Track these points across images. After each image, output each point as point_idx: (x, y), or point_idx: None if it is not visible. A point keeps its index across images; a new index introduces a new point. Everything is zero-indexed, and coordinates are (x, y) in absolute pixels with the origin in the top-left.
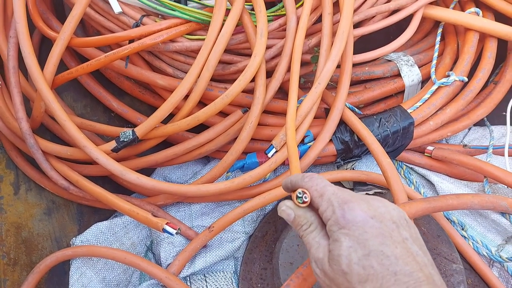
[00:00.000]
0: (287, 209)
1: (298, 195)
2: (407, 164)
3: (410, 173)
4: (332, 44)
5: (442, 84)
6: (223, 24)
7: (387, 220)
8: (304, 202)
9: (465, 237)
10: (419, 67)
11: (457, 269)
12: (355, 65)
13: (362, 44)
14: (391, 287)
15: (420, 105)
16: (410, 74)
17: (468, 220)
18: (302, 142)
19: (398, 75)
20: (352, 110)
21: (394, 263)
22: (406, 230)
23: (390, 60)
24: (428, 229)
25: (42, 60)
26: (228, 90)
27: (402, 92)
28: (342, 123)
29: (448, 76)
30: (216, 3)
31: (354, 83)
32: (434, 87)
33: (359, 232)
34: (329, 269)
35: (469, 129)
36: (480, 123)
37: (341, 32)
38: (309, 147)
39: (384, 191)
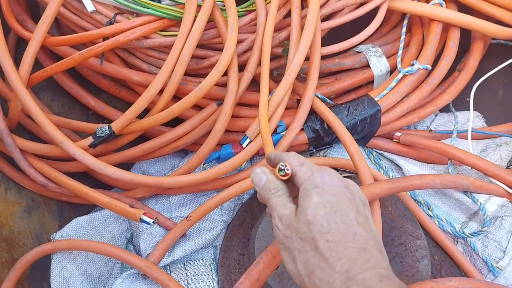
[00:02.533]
0: (261, 173)
1: (281, 167)
2: (377, 150)
3: (380, 159)
4: (300, 37)
5: (407, 72)
6: (195, 20)
7: (357, 196)
8: (286, 175)
9: (431, 216)
10: (387, 58)
11: (421, 245)
12: (326, 57)
13: (334, 36)
14: (349, 243)
15: (386, 93)
16: (379, 65)
17: (433, 200)
18: (275, 131)
19: (367, 65)
20: (323, 100)
21: (355, 226)
22: (369, 213)
23: (359, 52)
24: (395, 209)
25: (18, 61)
26: (201, 84)
27: (371, 82)
28: (313, 112)
29: (413, 65)
30: (187, 0)
31: (325, 74)
32: (400, 76)
33: (331, 193)
34: (295, 220)
35: (436, 115)
36: (446, 110)
37: (308, 25)
38: (282, 136)
39: (353, 175)
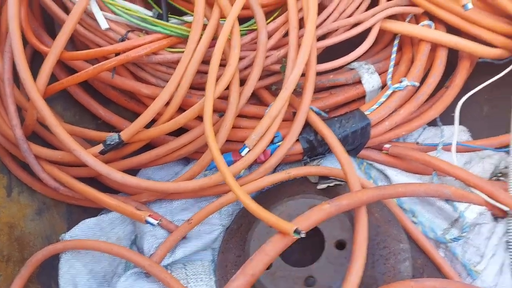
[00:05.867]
0: None
1: None
2: (368, 161)
3: (370, 169)
4: (297, 55)
5: (396, 88)
6: (201, 38)
7: None
8: None
9: (415, 222)
10: (379, 74)
11: (404, 248)
12: (321, 73)
13: (330, 54)
14: None
15: (376, 108)
16: (371, 81)
17: (418, 208)
18: (272, 142)
19: (360, 82)
20: (318, 113)
21: None
22: None
23: (353, 69)
24: (381, 215)
25: (33, 73)
26: (205, 97)
27: (364, 97)
28: (308, 124)
29: (401, 81)
30: (194, 19)
31: (320, 89)
32: (389, 92)
33: None
34: None
35: (424, 129)
36: (434, 124)
37: (305, 44)
38: (278, 146)
39: (343, 183)
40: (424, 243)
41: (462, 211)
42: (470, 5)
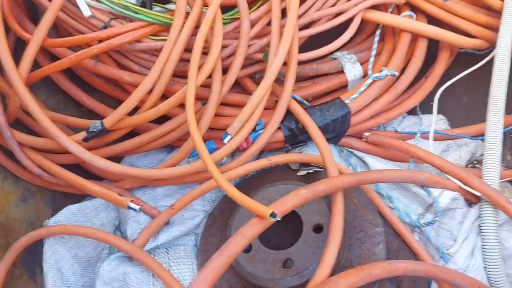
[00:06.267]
0: None
1: None
2: (348, 149)
3: (349, 156)
4: (279, 44)
5: (375, 78)
6: (183, 26)
7: None
8: None
9: (392, 208)
10: (361, 64)
11: (378, 231)
12: (304, 62)
13: (314, 43)
14: None
15: (356, 97)
16: (353, 70)
17: (395, 194)
18: (254, 130)
19: (342, 71)
20: (301, 102)
21: None
22: None
23: (335, 58)
24: (359, 200)
25: (16, 60)
26: (187, 85)
27: (346, 86)
28: (289, 113)
29: (381, 71)
30: (176, 7)
31: (304, 78)
32: (369, 81)
33: None
34: None
35: (404, 117)
36: (414, 112)
37: (286, 34)
38: (260, 134)
39: (322, 169)
40: (399, 227)
41: (436, 196)
42: None
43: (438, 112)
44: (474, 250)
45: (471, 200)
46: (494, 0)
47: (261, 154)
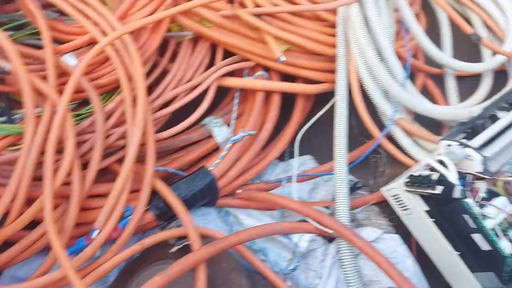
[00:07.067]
0: None
1: None
2: (226, 208)
3: (227, 216)
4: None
5: (234, 140)
6: (36, 133)
7: None
8: None
9: (265, 260)
10: (228, 125)
11: None
12: (172, 136)
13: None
14: None
15: (219, 162)
16: (221, 133)
17: (267, 245)
18: (122, 217)
19: (211, 136)
20: (176, 174)
21: None
22: None
23: (204, 124)
24: (228, 263)
25: None
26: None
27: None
28: (156, 191)
29: (238, 133)
30: (25, 116)
31: (176, 150)
32: (229, 144)
33: None
34: None
35: (275, 165)
36: (283, 159)
37: (137, 120)
38: (129, 220)
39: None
40: (272, 278)
41: (296, 242)
42: (283, 58)
43: (308, 152)
44: (338, 283)
45: (330, 237)
46: (328, 49)
47: (129, 240)
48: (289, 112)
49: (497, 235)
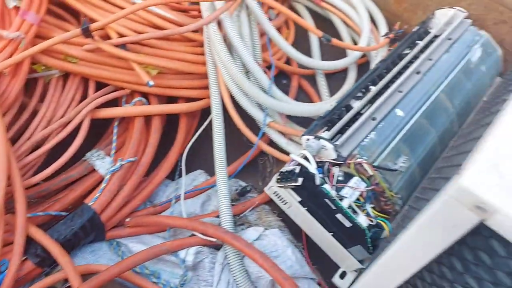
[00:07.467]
0: None
1: None
2: (117, 240)
3: (118, 247)
4: None
5: (113, 171)
6: None
7: None
8: None
9: (157, 282)
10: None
11: None
12: (50, 178)
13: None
14: None
15: (99, 195)
16: (104, 165)
17: (158, 266)
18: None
19: (95, 169)
20: (58, 215)
21: None
22: None
23: (85, 160)
24: None
25: None
26: None
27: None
28: (32, 238)
29: (117, 163)
30: None
31: (58, 191)
32: (108, 176)
33: None
34: None
35: (167, 185)
36: (174, 178)
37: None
38: (5, 275)
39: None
40: None
41: (182, 257)
42: (151, 82)
43: (199, 166)
44: (228, 286)
45: (216, 245)
46: (200, 67)
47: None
48: (175, 132)
49: (355, 212)
